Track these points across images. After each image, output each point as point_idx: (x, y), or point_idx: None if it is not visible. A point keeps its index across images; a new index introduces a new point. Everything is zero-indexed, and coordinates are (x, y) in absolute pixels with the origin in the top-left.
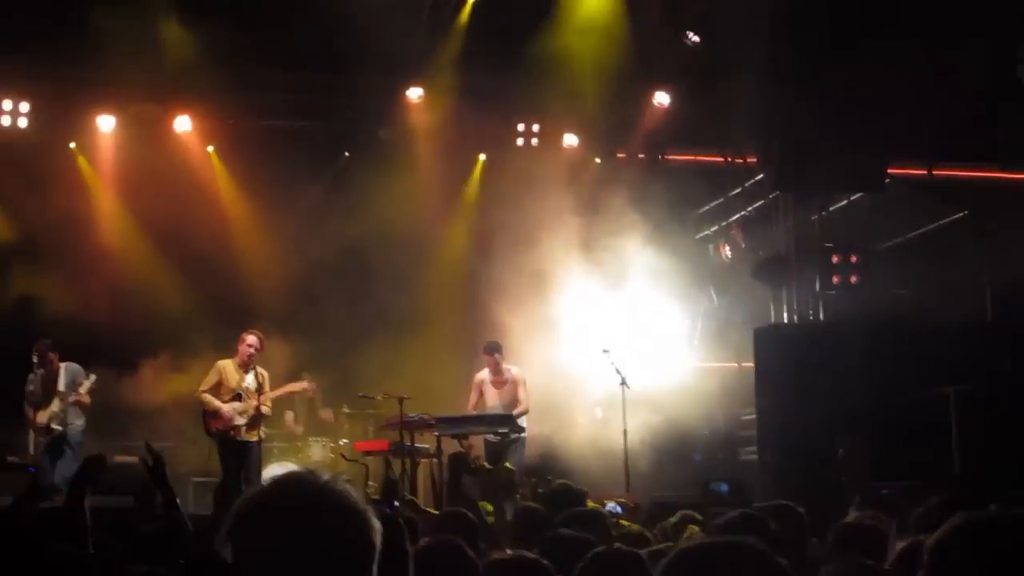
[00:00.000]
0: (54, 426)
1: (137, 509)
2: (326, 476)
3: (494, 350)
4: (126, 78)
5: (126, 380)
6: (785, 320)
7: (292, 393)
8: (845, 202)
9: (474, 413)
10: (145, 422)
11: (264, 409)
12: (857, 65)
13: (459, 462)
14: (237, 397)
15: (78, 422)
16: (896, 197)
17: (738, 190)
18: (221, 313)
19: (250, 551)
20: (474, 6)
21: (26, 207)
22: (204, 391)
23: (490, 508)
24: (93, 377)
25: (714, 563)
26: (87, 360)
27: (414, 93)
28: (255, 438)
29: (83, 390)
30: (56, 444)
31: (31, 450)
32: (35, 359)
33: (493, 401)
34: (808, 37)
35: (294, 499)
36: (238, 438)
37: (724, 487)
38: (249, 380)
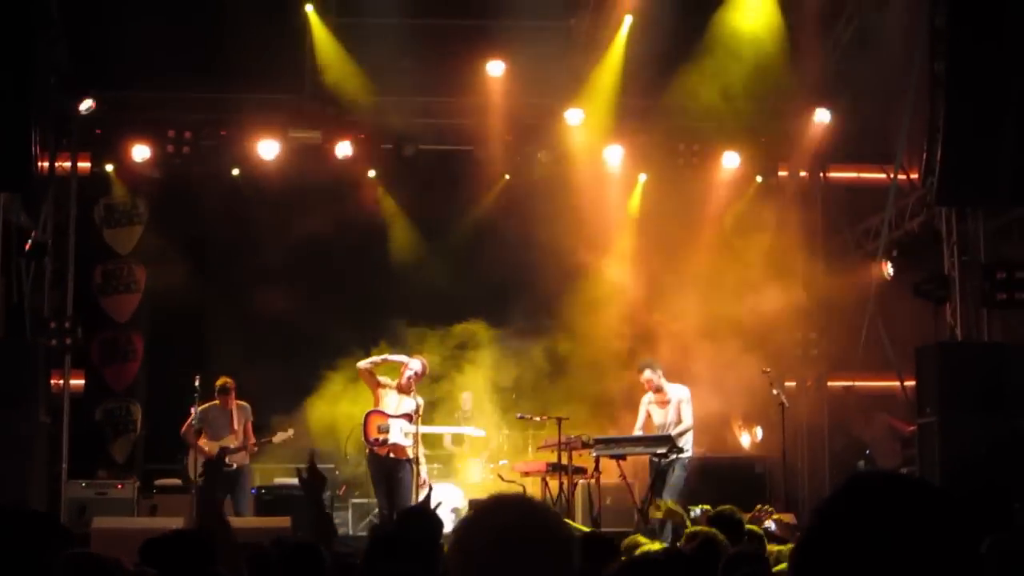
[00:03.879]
0: (229, 462)
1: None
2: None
3: (645, 367)
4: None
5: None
6: (948, 339)
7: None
8: (1011, 217)
9: (632, 435)
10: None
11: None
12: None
13: None
14: (409, 417)
15: (247, 461)
16: None
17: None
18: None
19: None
20: (631, 28)
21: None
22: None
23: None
24: (291, 431)
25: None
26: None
27: (573, 115)
28: (405, 457)
29: (276, 439)
30: (228, 478)
31: (191, 476)
32: (219, 396)
33: (660, 420)
34: (969, 48)
35: (512, 519)
36: (389, 456)
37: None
38: (407, 403)
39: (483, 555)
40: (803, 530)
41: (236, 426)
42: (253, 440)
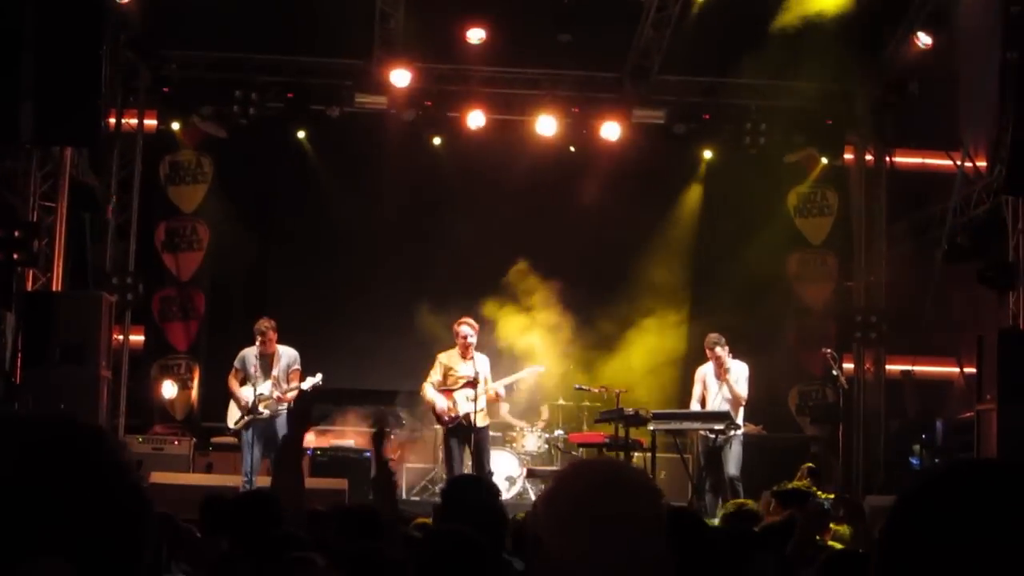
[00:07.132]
0: (262, 409)
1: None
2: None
3: (715, 344)
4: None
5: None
6: (1011, 327)
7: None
8: None
9: (690, 409)
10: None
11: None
12: None
13: None
14: (471, 384)
15: (280, 409)
16: None
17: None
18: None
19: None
20: (700, 4)
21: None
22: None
23: None
24: (320, 376)
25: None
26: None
27: (640, 90)
28: (483, 423)
29: (306, 385)
30: (260, 428)
31: (230, 424)
32: (257, 337)
33: (718, 393)
34: None
35: (603, 478)
36: (465, 424)
37: (916, 460)
38: (467, 369)
39: (572, 511)
40: (892, 515)
41: (275, 372)
42: (287, 387)
